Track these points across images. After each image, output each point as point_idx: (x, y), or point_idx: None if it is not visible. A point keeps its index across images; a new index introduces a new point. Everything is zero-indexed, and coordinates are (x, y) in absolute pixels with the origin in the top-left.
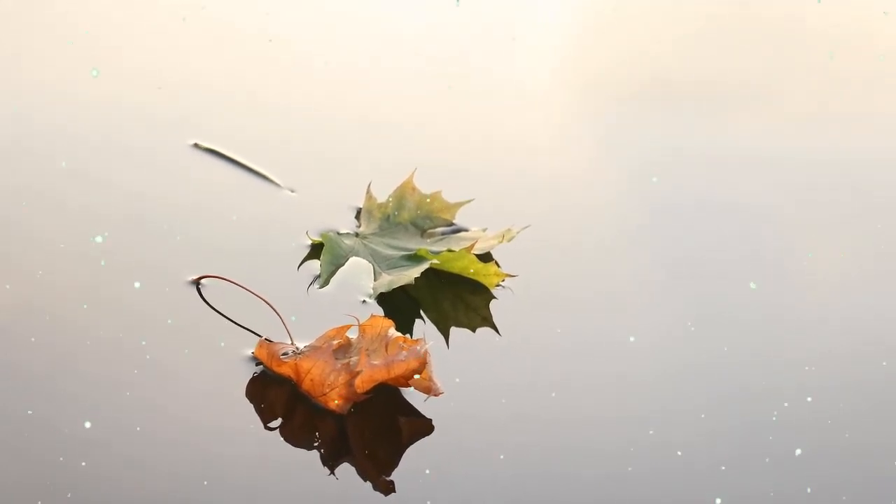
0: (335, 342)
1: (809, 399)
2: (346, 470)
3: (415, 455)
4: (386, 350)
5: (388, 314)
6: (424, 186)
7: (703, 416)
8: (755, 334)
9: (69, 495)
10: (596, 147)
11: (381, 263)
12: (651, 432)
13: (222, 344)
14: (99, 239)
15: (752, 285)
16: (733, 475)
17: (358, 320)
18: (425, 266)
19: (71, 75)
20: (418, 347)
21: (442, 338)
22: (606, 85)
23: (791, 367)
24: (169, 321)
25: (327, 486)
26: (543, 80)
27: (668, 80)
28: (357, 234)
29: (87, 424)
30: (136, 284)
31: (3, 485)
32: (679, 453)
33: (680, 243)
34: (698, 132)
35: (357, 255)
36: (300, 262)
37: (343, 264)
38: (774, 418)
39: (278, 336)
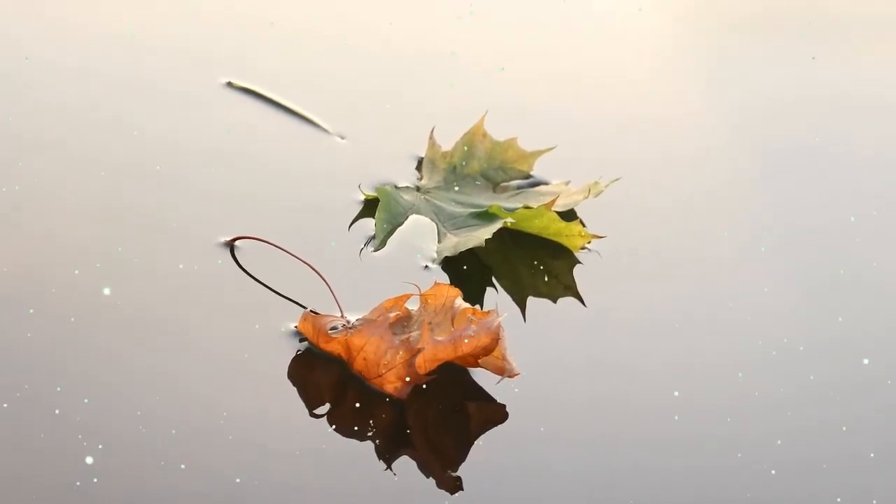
0: (392, 315)
1: None
2: (405, 464)
3: (485, 446)
4: (452, 324)
5: (454, 282)
6: (497, 132)
7: (823, 403)
8: (884, 305)
9: (81, 486)
10: (697, 86)
11: (447, 222)
12: (760, 421)
13: (261, 316)
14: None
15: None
16: (856, 472)
17: (419, 289)
18: (498, 225)
19: (89, 7)
20: (490, 321)
21: (517, 309)
22: (709, 13)
23: None
24: (199, 290)
25: (383, 483)
26: (635, 7)
27: (781, 9)
28: (418, 188)
29: (105, 408)
30: (162, 247)
31: (11, 474)
32: (794, 446)
33: (795, 197)
34: (816, 69)
35: (418, 212)
36: (352, 220)
37: (402, 223)
38: None
39: (326, 307)
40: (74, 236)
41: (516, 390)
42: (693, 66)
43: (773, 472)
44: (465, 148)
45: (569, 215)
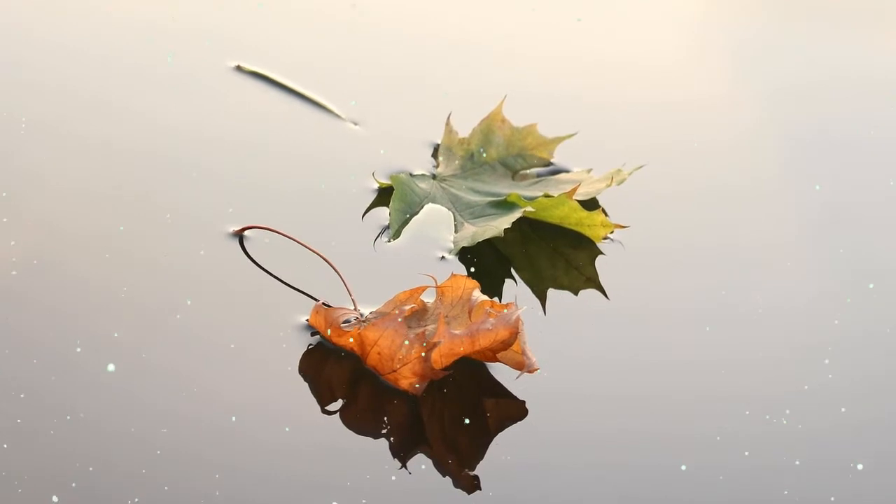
0: (407, 308)
1: None
2: (420, 462)
3: (504, 444)
4: (469, 317)
5: (471, 273)
6: (516, 118)
7: (854, 399)
8: None
9: (84, 485)
10: (723, 71)
11: (464, 211)
12: (791, 417)
13: (271, 309)
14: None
15: None
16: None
17: (435, 281)
18: (517, 215)
19: None
20: (508, 314)
21: (537, 302)
22: None
23: None
24: (206, 281)
25: (398, 482)
26: None
27: None
28: (434, 176)
29: (109, 401)
30: (167, 238)
31: (12, 472)
32: (822, 442)
33: (824, 185)
34: (849, 52)
35: (434, 201)
36: (365, 209)
37: (417, 213)
38: None
39: (338, 300)
40: (78, 225)
41: (536, 386)
42: (719, 50)
43: (796, 465)
44: (483, 134)
45: (591, 204)
